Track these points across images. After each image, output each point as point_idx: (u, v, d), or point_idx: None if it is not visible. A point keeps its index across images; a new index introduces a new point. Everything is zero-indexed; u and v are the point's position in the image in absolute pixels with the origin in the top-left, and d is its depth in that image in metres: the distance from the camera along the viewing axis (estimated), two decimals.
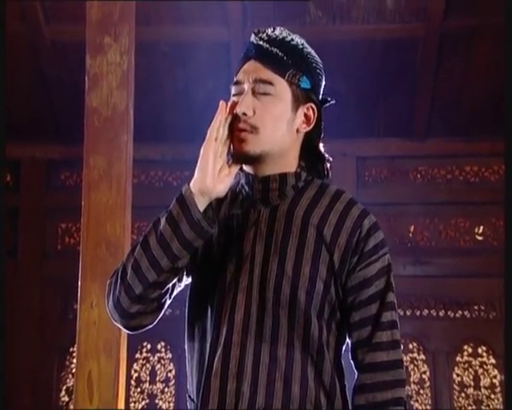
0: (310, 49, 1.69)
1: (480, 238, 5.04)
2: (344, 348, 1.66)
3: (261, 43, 1.65)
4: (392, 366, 1.59)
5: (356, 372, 1.62)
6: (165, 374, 5.04)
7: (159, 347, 5.07)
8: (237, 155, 1.62)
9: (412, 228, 5.04)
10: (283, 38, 1.66)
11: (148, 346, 5.07)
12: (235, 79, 1.68)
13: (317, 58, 1.70)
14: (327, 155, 1.72)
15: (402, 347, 1.65)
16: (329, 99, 1.73)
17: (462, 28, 4.46)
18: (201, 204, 1.57)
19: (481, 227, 5.03)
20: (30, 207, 5.12)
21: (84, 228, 3.13)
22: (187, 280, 1.70)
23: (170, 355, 5.06)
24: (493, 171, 5.05)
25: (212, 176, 1.57)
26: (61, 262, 4.94)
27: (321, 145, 1.72)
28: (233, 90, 1.67)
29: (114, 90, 3.20)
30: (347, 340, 1.65)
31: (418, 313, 4.97)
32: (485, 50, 4.54)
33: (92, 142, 3.20)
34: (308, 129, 1.68)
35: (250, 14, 4.44)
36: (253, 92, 1.63)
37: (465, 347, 4.93)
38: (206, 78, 4.56)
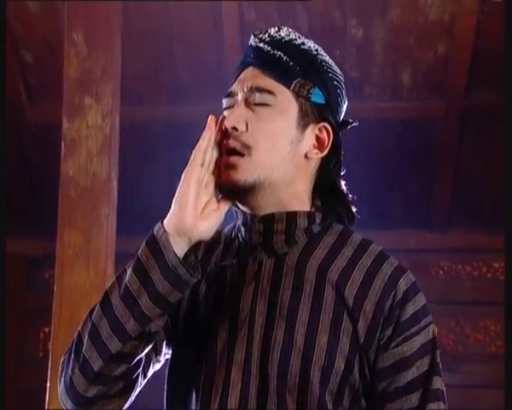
0: (326, 57, 1.40)
1: None
2: None
3: (261, 45, 1.37)
4: None
5: None
6: None
7: None
8: (225, 187, 1.31)
9: (436, 330, 4.69)
10: (290, 39, 1.37)
11: None
12: (227, 91, 1.39)
13: (336, 68, 1.39)
14: (350, 195, 1.41)
15: None
16: (351, 121, 1.40)
17: (486, 106, 4.27)
18: (179, 247, 1.25)
19: None
20: (9, 309, 4.68)
21: (56, 316, 2.95)
22: (168, 352, 1.39)
23: None
24: None
25: (192, 211, 1.26)
26: (41, 372, 4.52)
27: (342, 182, 1.41)
28: (224, 103, 1.39)
29: (95, 157, 3.02)
30: None
31: None
32: None
33: (67, 215, 3.01)
34: (321, 155, 1.37)
35: None
36: (248, 103, 1.34)
37: None
38: None
